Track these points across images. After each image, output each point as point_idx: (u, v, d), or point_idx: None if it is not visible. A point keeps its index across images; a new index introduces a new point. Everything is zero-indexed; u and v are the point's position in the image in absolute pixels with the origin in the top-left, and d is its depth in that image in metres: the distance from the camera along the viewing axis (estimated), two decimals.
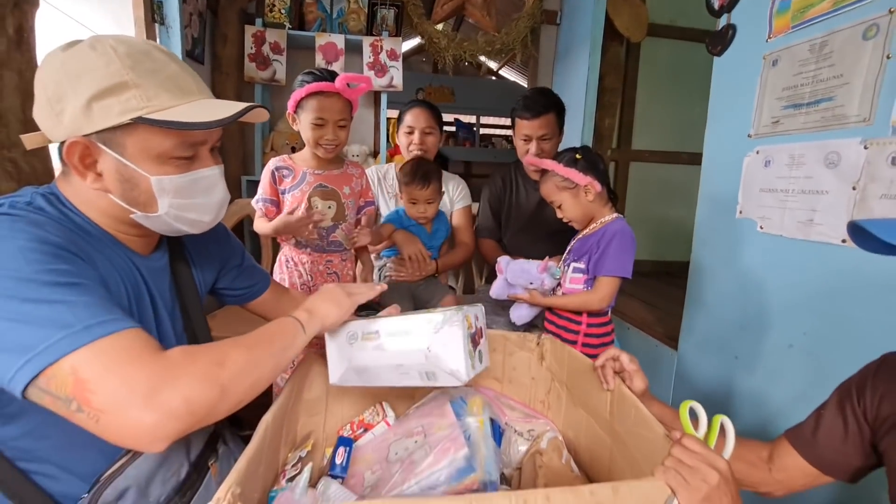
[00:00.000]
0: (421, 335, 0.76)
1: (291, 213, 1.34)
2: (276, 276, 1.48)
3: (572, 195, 1.27)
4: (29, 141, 0.65)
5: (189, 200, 0.68)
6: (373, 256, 1.79)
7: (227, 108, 0.65)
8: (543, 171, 1.32)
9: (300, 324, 0.72)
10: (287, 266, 1.47)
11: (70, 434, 0.59)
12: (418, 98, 1.86)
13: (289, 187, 1.39)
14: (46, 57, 0.62)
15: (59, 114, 0.60)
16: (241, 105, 0.67)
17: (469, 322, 0.80)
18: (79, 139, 0.61)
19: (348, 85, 1.28)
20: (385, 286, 0.90)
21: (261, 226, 1.40)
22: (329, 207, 1.41)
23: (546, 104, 1.64)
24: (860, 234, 0.59)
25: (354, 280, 1.55)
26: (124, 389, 0.50)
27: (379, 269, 1.73)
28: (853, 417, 0.71)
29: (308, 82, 1.28)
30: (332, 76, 1.30)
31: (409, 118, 1.78)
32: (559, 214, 1.32)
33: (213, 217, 0.74)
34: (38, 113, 0.63)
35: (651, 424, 0.73)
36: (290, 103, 1.32)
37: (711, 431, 0.64)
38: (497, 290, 1.39)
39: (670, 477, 0.57)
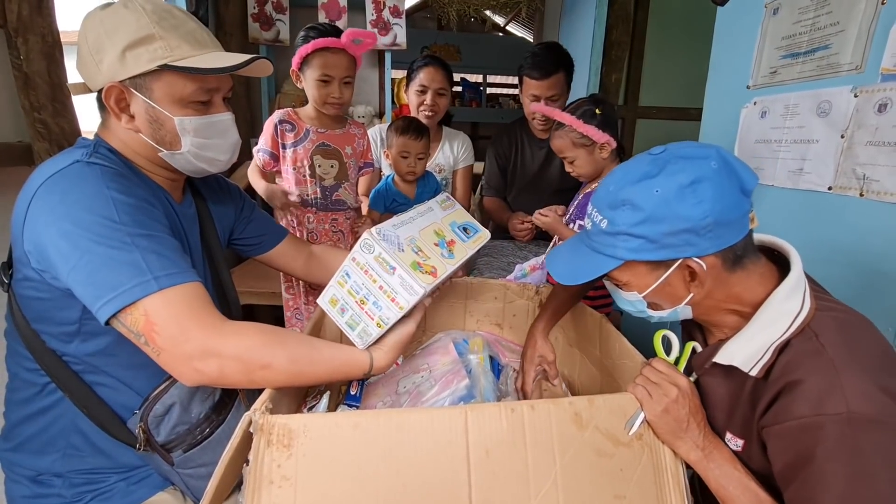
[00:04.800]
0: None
1: (286, 194, 1.38)
2: None
3: (588, 152, 1.25)
4: (74, 89, 0.74)
5: (207, 140, 0.78)
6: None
7: (236, 58, 0.75)
8: (558, 124, 1.27)
9: (369, 370, 0.75)
10: (291, 225, 1.46)
11: (132, 355, 0.71)
12: (427, 55, 1.79)
13: (290, 143, 1.38)
14: (87, 16, 0.71)
15: (98, 63, 0.70)
16: (248, 56, 0.76)
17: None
18: (115, 84, 0.70)
19: (353, 41, 1.27)
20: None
21: (254, 178, 1.42)
22: (332, 167, 1.42)
23: (556, 63, 1.60)
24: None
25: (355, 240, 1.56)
26: (181, 338, 0.62)
27: None
28: None
29: (313, 38, 1.27)
30: (337, 32, 1.29)
31: (423, 76, 1.71)
32: (568, 169, 1.30)
33: (228, 157, 0.83)
34: (81, 65, 0.72)
35: (632, 354, 0.81)
36: (295, 59, 1.31)
37: (683, 357, 0.71)
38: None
39: (638, 391, 0.65)
